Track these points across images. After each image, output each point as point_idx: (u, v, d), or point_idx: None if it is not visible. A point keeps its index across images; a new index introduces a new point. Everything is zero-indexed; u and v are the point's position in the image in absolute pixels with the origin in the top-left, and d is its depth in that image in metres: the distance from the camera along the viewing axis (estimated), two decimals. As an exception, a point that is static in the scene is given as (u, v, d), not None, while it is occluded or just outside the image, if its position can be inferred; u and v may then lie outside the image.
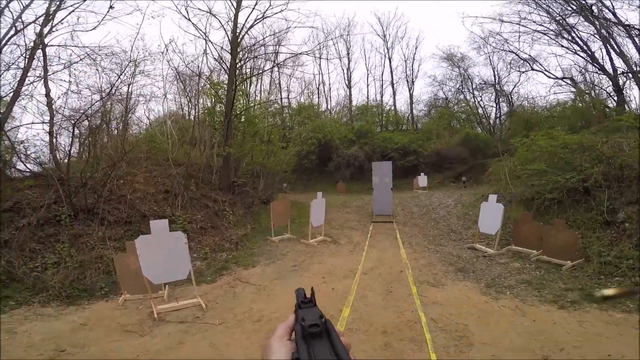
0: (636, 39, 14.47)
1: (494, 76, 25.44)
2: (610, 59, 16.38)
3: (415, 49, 29.57)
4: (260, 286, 5.29)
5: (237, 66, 11.51)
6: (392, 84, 29.89)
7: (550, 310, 4.01)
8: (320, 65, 31.43)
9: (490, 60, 24.94)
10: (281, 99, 30.67)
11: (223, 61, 11.60)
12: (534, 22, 18.57)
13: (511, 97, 25.36)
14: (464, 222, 9.13)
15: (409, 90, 29.42)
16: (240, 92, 13.43)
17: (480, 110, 26.73)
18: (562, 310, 3.98)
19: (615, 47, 15.49)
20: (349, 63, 30.68)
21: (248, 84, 22.28)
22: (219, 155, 10.86)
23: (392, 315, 4.08)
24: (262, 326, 3.92)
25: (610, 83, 16.83)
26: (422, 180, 17.31)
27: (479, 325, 3.67)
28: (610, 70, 16.39)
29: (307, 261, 6.59)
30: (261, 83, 25.12)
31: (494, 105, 26.34)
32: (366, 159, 20.48)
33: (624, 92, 16.06)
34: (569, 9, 16.76)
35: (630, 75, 15.32)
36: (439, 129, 23.76)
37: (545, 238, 5.89)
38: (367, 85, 31.13)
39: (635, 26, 14.12)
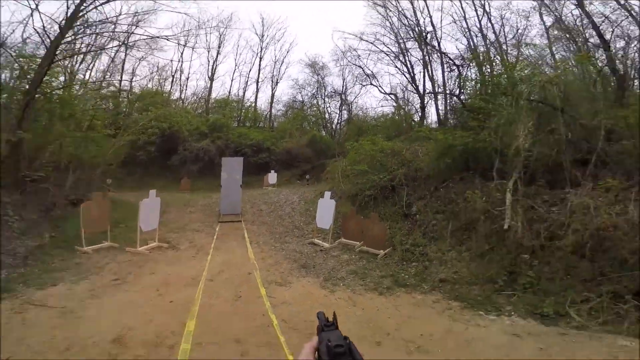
0: (445, 66, 19.40)
1: (342, 86, 29.35)
2: (424, 82, 21.50)
3: (287, 52, 30.56)
4: (65, 309, 4.09)
5: (65, 40, 8.98)
6: (257, 82, 29.81)
7: (373, 297, 4.75)
8: (182, 53, 27.98)
9: (343, 72, 28.66)
10: (120, 81, 25.54)
11: (46, 33, 8.66)
12: (383, 43, 22.32)
13: (351, 107, 29.85)
14: (305, 218, 9.88)
15: (272, 90, 30.12)
16: (61, 69, 10.61)
17: (327, 116, 30.10)
18: (381, 296, 4.77)
19: (430, 71, 20.40)
20: (217, 55, 28.55)
21: (78, 62, 17.72)
22: (7, 141, 7.87)
23: (244, 321, 3.92)
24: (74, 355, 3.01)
25: (419, 101, 22.03)
26: (272, 177, 17.88)
27: (321, 319, 3.95)
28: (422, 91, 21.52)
29: (135, 273, 5.57)
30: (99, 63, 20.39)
31: (338, 112, 30.36)
32: (218, 153, 19.43)
33: (425, 109, 21.31)
34: (410, 34, 20.97)
35: (432, 95, 20.46)
36: (292, 129, 25.16)
37: (365, 230, 7.03)
38: (232, 80, 29.93)
39: (449, 54, 18.88)
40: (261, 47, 30.13)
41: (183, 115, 22.44)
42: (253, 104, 29.62)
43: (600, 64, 8.95)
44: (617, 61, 9.08)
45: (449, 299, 4.55)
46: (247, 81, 30.09)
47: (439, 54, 19.31)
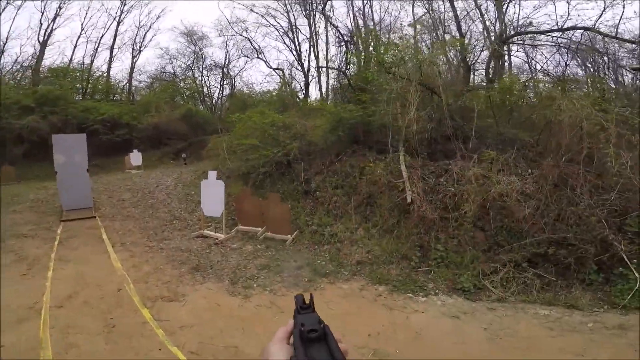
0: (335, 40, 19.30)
1: (225, 59, 26.35)
2: (308, 59, 21.14)
3: (157, 18, 24.68)
4: None
5: None
6: (112, 49, 23.36)
7: (297, 296, 4.07)
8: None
9: (226, 44, 25.59)
10: None
11: None
12: (274, 17, 20.52)
13: (234, 81, 27.42)
14: (187, 205, 8.35)
15: (133, 59, 24.29)
16: None
17: (205, 89, 26.82)
18: (307, 293, 4.12)
19: (315, 48, 20.08)
20: (55, 16, 20.61)
21: None
22: None
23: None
24: None
25: (304, 79, 21.73)
26: (135, 157, 14.73)
27: (249, 341, 3.07)
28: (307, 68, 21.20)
29: None
30: None
31: (219, 86, 27.46)
32: (54, 132, 14.60)
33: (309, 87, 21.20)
34: (304, 11, 19.83)
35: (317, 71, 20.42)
36: (159, 102, 21.31)
37: (266, 213, 6.27)
38: (75, 47, 22.47)
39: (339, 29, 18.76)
40: (121, 10, 23.92)
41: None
42: (104, 74, 23.60)
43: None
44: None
45: (372, 282, 4.35)
46: (97, 48, 23.63)
47: (328, 28, 19.33)
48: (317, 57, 20.69)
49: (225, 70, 27.07)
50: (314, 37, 20.25)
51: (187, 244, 5.87)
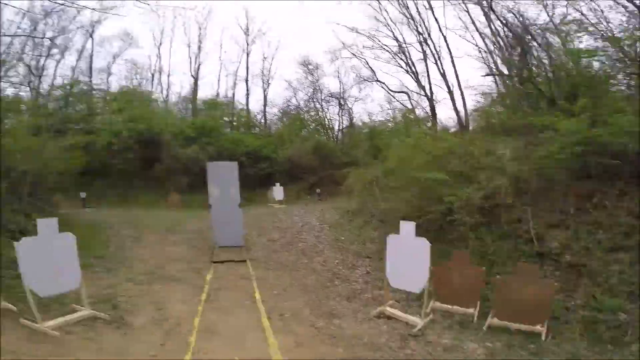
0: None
1: (340, 89, 26.17)
2: (429, 82, 18.49)
3: (276, 49, 27.29)
4: None
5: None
6: (247, 82, 26.41)
7: None
8: (159, 49, 24.88)
9: (339, 72, 25.54)
10: (90, 78, 22.25)
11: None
12: (381, 43, 19.37)
13: (352, 111, 26.76)
14: (342, 257, 6.60)
15: (264, 91, 26.69)
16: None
17: (326, 121, 26.84)
18: None
19: (440, 65, 17.44)
20: (199, 50, 25.37)
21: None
22: None
23: None
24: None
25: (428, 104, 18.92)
26: (278, 191, 14.49)
27: None
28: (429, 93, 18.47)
29: None
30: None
31: (338, 117, 27.13)
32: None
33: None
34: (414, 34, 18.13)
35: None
36: (292, 135, 22.00)
37: (503, 290, 3.75)
38: (219, 81, 26.55)
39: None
40: (247, 42, 27.00)
41: (165, 116, 19.18)
42: (245, 107, 26.24)
43: None
44: None
45: None
46: (236, 80, 26.78)
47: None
48: (443, 75, 17.60)
49: (341, 100, 26.78)
50: (436, 53, 17.32)
51: (368, 330, 3.80)
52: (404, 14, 17.59)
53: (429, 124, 17.36)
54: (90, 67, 22.93)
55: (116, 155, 16.26)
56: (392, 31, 18.60)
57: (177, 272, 5.45)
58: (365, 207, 9.37)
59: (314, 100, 26.46)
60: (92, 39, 22.48)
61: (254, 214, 10.47)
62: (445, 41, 16.49)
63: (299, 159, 18.88)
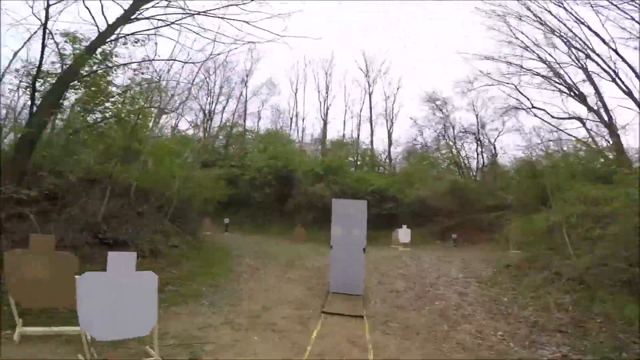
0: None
1: (477, 123, 22.91)
2: (604, 106, 13.67)
3: (397, 88, 27.11)
4: None
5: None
6: (371, 121, 26.80)
7: None
8: (296, 94, 28.52)
9: (474, 106, 22.57)
10: (244, 120, 26.84)
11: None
12: (522, 67, 16.07)
13: (493, 147, 22.69)
14: (509, 327, 4.51)
15: (388, 130, 26.28)
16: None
17: (461, 160, 23.54)
18: None
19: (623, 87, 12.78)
20: (327, 94, 27.78)
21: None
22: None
23: None
24: None
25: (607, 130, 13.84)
26: (404, 234, 12.85)
27: None
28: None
29: None
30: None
31: (475, 155, 23.49)
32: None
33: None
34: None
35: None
36: (422, 174, 20.04)
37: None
38: (344, 122, 27.99)
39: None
40: (368, 83, 27.27)
41: (299, 155, 20.70)
42: (369, 147, 26.07)
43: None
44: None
45: None
46: (360, 121, 27.33)
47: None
48: (629, 94, 12.44)
49: (478, 136, 23.04)
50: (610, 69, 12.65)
51: None
52: (547, 31, 14.41)
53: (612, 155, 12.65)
54: (245, 112, 27.74)
55: (257, 189, 18.17)
56: (536, 53, 15.43)
57: (282, 319, 4.68)
58: (538, 261, 6.87)
59: (445, 137, 24.14)
60: (246, 87, 27.35)
61: (375, 257, 9.21)
62: (617, 54, 12.46)
63: (432, 201, 16.76)
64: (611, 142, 13.19)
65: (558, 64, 15.18)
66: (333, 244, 6.01)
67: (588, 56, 13.96)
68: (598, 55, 13.47)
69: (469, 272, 7.44)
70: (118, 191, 7.15)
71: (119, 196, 7.15)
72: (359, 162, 24.85)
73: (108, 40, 6.80)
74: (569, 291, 5.37)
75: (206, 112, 24.86)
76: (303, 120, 28.69)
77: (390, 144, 26.01)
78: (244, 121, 27.62)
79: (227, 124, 26.34)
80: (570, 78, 15.12)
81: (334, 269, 5.98)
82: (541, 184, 12.85)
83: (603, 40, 12.98)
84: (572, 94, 15.31)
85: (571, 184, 10.46)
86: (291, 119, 28.73)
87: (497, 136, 22.46)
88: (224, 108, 26.34)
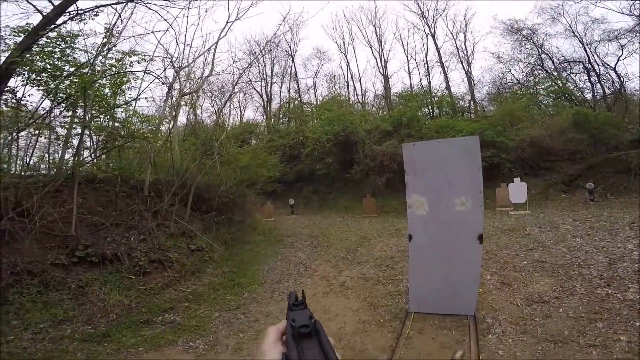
0: None
1: (584, 50, 16.58)
2: None
3: (466, 25, 21.57)
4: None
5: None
6: (442, 64, 21.91)
7: None
8: (346, 56, 25.18)
9: (573, 31, 16.36)
10: (299, 94, 24.90)
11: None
12: None
13: (614, 72, 16.14)
14: None
15: (466, 72, 21.22)
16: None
17: (571, 92, 17.60)
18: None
19: None
20: (381, 48, 23.70)
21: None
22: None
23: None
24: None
25: None
26: (517, 190, 9.19)
27: None
28: None
29: None
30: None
31: (590, 85, 17.27)
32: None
33: None
34: None
35: None
36: (527, 111, 15.25)
37: None
38: (409, 73, 23.79)
39: None
40: (427, 25, 21.85)
41: (358, 115, 17.85)
42: (445, 91, 21.45)
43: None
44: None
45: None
46: (427, 67, 22.59)
47: None
48: None
49: (588, 64, 16.55)
50: None
51: None
52: None
53: None
54: (298, 87, 25.68)
55: (318, 161, 16.16)
56: None
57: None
58: None
59: (543, 70, 18.32)
60: (294, 63, 25.24)
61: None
62: None
63: (549, 142, 12.29)
64: None
65: None
66: (412, 231, 3.32)
67: None
68: None
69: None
70: (127, 189, 5.66)
71: (128, 196, 5.65)
72: (436, 112, 20.70)
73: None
74: None
75: (262, 95, 23.85)
76: (360, 80, 25.40)
77: (472, 85, 21.02)
78: (299, 95, 25.68)
79: (285, 102, 25.09)
80: None
81: (415, 275, 3.36)
82: None
83: None
84: None
85: None
86: (347, 82, 25.68)
87: (617, 61, 16.16)
88: (280, 88, 25.20)
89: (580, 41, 17.15)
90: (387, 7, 31.34)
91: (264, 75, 24.47)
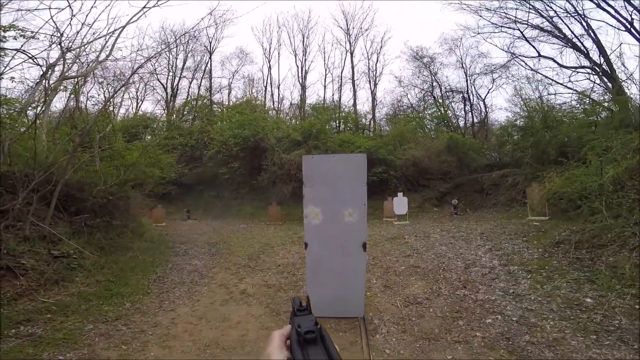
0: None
1: (466, 80, 20.98)
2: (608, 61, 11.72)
3: (381, 47, 24.24)
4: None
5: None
6: (353, 82, 23.94)
7: None
8: (269, 60, 25.08)
9: (462, 63, 20.68)
10: (210, 93, 23.50)
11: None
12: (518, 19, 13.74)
13: (485, 104, 20.96)
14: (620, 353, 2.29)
15: (372, 91, 23.70)
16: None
17: (449, 119, 21.66)
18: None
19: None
20: (304, 58, 24.59)
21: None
22: None
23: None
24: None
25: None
26: (399, 203, 10.57)
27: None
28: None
29: None
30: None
31: (464, 113, 21.82)
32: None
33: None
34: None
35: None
36: (414, 134, 17.75)
37: None
38: (325, 87, 25.26)
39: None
40: (349, 41, 24.25)
41: (270, 121, 17.90)
42: (352, 108, 23.56)
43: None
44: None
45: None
46: (341, 83, 24.55)
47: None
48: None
49: (466, 95, 21.29)
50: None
51: None
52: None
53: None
54: (211, 84, 24.28)
55: (223, 164, 15.41)
56: (532, 5, 13.17)
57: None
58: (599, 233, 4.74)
59: (432, 96, 22.07)
60: (211, 60, 23.91)
61: (367, 238, 6.91)
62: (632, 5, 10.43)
63: (427, 162, 14.53)
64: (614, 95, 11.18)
65: (557, 15, 12.93)
66: (309, 240, 3.51)
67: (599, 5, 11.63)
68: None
69: (504, 255, 5.25)
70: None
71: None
72: (341, 126, 22.29)
73: None
74: None
75: (167, 89, 21.62)
76: (278, 87, 25.52)
77: (374, 105, 23.53)
78: (210, 93, 24.22)
79: (192, 98, 23.21)
80: (571, 31, 13.00)
81: (312, 281, 3.56)
82: (556, 136, 10.86)
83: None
84: (570, 45, 13.17)
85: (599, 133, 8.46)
86: (265, 87, 25.53)
87: (487, 93, 20.94)
88: (190, 83, 23.26)
89: (465, 72, 21.05)
90: (319, 18, 32.59)
91: (174, 68, 22.31)
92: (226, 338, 3.23)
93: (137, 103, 22.21)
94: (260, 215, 13.16)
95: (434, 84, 22.04)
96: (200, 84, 24.10)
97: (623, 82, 11.07)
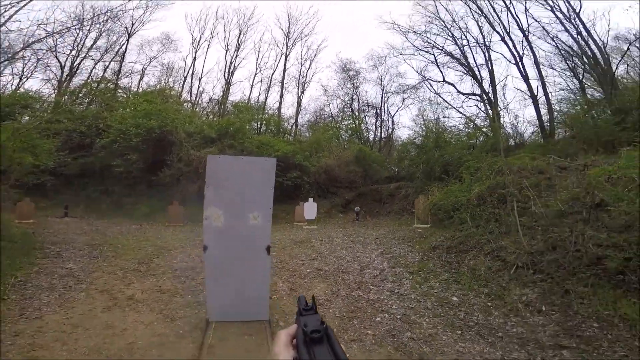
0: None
1: (381, 97, 23.20)
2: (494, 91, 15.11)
3: (315, 54, 24.82)
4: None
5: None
6: (282, 85, 23.84)
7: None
8: (196, 51, 23.09)
9: (381, 80, 22.69)
10: (117, 77, 20.35)
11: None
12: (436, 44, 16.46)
13: (392, 122, 23.55)
14: (489, 346, 2.91)
15: (298, 97, 24.02)
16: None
17: (361, 132, 23.64)
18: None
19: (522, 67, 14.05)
20: (236, 54, 23.47)
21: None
22: None
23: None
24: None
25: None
26: (310, 208, 10.95)
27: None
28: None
29: None
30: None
31: (374, 128, 24.01)
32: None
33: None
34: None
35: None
36: (329, 143, 18.63)
37: None
38: (252, 86, 24.40)
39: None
40: (287, 45, 24.48)
41: (183, 114, 16.49)
42: (276, 111, 23.56)
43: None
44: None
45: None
46: (270, 84, 24.37)
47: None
48: (526, 78, 14.09)
49: (378, 110, 23.71)
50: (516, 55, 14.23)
51: None
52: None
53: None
54: (120, 67, 21.10)
55: (118, 156, 13.39)
56: (451, 33, 15.89)
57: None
58: (463, 240, 5.77)
59: (351, 108, 23.71)
60: (128, 42, 20.93)
61: (279, 243, 6.97)
62: (528, 42, 13.65)
63: (337, 171, 15.38)
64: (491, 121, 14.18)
65: (469, 45, 15.75)
66: (208, 243, 3.35)
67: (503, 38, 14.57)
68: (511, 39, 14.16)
69: (392, 258, 5.94)
70: None
71: None
72: (263, 128, 21.91)
73: None
74: (527, 283, 4.23)
75: (64, 67, 17.78)
76: (200, 79, 23.69)
77: (298, 110, 23.93)
78: (117, 77, 20.91)
79: (94, 80, 19.61)
80: (474, 60, 15.96)
81: (212, 285, 3.40)
82: (443, 155, 12.86)
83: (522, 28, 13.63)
84: (470, 74, 16.09)
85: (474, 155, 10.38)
86: (185, 77, 23.38)
87: (397, 111, 23.41)
88: (95, 63, 19.63)
89: (382, 89, 23.05)
90: (262, 17, 31.04)
91: (80, 46, 18.42)
92: (110, 346, 2.84)
93: (20, 79, 17.72)
94: (158, 216, 11.94)
95: (354, 96, 23.66)
96: (107, 66, 20.69)
97: (500, 111, 13.98)
